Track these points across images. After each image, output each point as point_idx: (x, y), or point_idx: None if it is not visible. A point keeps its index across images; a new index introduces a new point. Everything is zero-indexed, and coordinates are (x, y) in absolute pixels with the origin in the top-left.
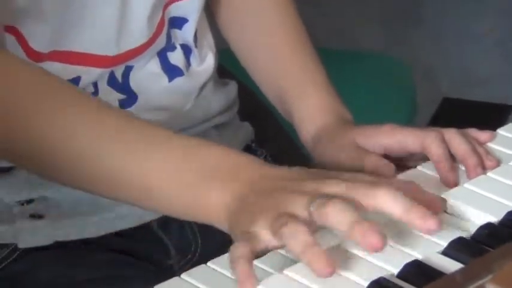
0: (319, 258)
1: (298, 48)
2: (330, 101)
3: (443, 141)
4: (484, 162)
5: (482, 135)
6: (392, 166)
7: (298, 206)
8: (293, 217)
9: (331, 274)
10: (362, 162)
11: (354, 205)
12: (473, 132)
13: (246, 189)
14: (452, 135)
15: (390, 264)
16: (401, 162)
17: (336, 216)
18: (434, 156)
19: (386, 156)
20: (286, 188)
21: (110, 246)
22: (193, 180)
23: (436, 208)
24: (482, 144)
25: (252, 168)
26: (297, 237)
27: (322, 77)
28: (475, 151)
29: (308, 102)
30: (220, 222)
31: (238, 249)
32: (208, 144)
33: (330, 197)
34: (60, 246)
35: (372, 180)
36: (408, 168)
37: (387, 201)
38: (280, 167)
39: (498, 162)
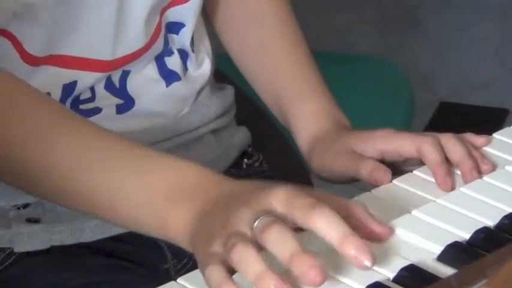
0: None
1: (296, 54)
2: (327, 106)
3: (439, 146)
4: (480, 167)
5: (478, 139)
6: (388, 171)
7: (242, 224)
8: (239, 238)
9: None
10: (358, 167)
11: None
12: (469, 136)
13: (205, 207)
14: (448, 139)
15: (386, 268)
16: (398, 167)
17: (275, 246)
18: (430, 161)
19: (382, 161)
20: (234, 205)
21: (106, 251)
22: (155, 199)
23: (380, 238)
24: (478, 148)
25: (210, 185)
26: (246, 263)
27: (319, 82)
28: (470, 155)
29: (304, 109)
30: (183, 242)
31: (215, 275)
32: (168, 161)
33: (269, 221)
34: (56, 251)
35: (312, 201)
36: (404, 172)
37: (323, 226)
38: (236, 181)
39: (494, 167)
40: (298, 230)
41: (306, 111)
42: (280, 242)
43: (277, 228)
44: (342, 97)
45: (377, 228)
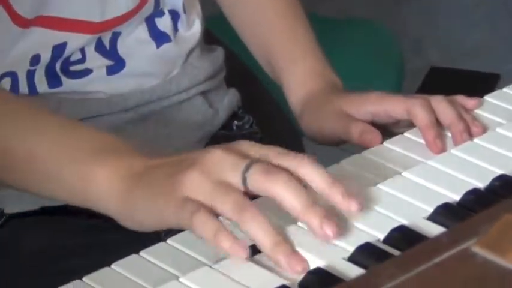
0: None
1: (290, 15)
2: (319, 67)
3: (430, 108)
4: (471, 129)
5: (469, 101)
6: (378, 133)
7: (229, 171)
8: (240, 195)
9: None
10: (349, 129)
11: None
12: (461, 98)
13: (142, 165)
14: (438, 101)
15: (376, 229)
16: (389, 129)
17: (286, 191)
18: (420, 123)
19: (373, 123)
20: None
21: (96, 212)
22: (74, 157)
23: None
24: (469, 110)
25: (135, 149)
26: (259, 227)
27: (312, 43)
28: (461, 117)
29: (296, 69)
30: (105, 201)
31: (208, 223)
32: (88, 127)
33: (268, 165)
34: (46, 212)
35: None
36: (395, 135)
37: (310, 173)
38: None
39: (484, 129)
40: None
41: (298, 72)
42: (290, 190)
43: (281, 174)
44: (333, 60)
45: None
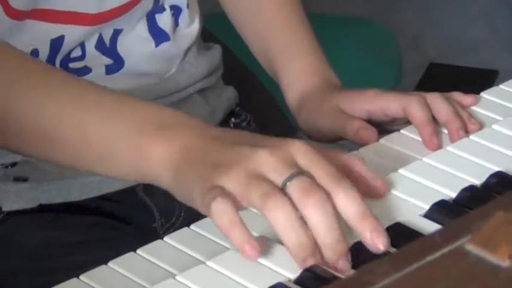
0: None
1: (289, 12)
2: (317, 64)
3: (426, 105)
4: (467, 126)
5: (465, 98)
6: (374, 131)
7: (269, 170)
8: (271, 186)
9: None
10: (345, 126)
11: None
12: (457, 95)
13: (194, 139)
14: (434, 98)
15: None
16: (385, 126)
17: (317, 216)
18: (416, 120)
19: (369, 121)
20: (250, 142)
21: (94, 210)
22: (129, 132)
23: (379, 193)
24: (465, 107)
25: (198, 122)
26: (288, 223)
27: (311, 40)
28: (457, 114)
29: (294, 65)
30: (162, 173)
31: (225, 212)
32: (140, 99)
33: (310, 184)
34: (44, 210)
35: (333, 171)
36: (391, 132)
37: (346, 205)
38: (222, 128)
39: (481, 126)
40: None
41: (295, 68)
42: (321, 210)
43: (319, 196)
44: (330, 58)
45: (376, 183)
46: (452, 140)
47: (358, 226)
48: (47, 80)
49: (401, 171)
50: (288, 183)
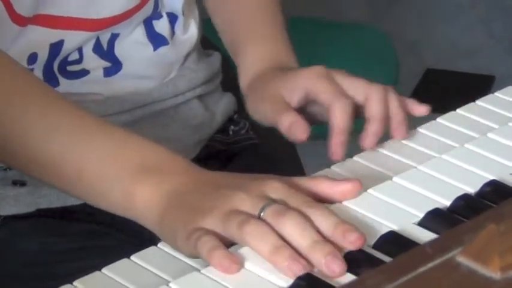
0: (287, 260)
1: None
2: (275, 50)
3: (351, 107)
4: (392, 131)
5: (417, 108)
6: (307, 126)
7: (246, 206)
8: (248, 216)
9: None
10: (279, 119)
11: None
12: (411, 102)
13: (179, 185)
14: (370, 100)
15: (366, 234)
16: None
17: (295, 230)
18: (334, 125)
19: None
20: (228, 187)
21: (91, 217)
22: (124, 171)
23: (351, 192)
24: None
25: (184, 166)
26: (264, 238)
27: (275, 27)
28: (382, 117)
29: (252, 51)
30: (149, 216)
31: (207, 243)
32: (139, 140)
33: (284, 207)
34: (42, 215)
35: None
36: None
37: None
38: (210, 171)
39: (404, 135)
40: None
41: (252, 53)
42: (299, 225)
43: (294, 214)
44: (327, 63)
45: (346, 186)
46: (364, 144)
47: (338, 240)
48: (46, 113)
49: (395, 179)
50: (262, 213)
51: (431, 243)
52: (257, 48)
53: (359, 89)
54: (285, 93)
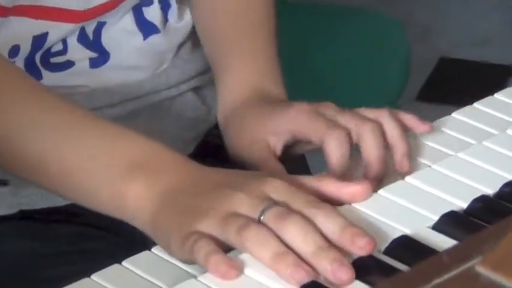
0: (290, 267)
1: (240, 19)
2: (257, 74)
3: (346, 143)
4: (395, 166)
5: (419, 126)
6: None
7: (245, 208)
8: (249, 220)
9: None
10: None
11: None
12: (412, 121)
13: (175, 183)
14: (366, 132)
15: (377, 240)
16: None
17: (297, 235)
18: (331, 162)
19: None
20: (227, 186)
21: (78, 218)
22: (114, 168)
23: (362, 195)
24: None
25: (180, 163)
26: (265, 244)
27: (260, 42)
28: (381, 161)
29: (231, 72)
30: (141, 217)
31: (204, 248)
32: (132, 135)
33: (285, 210)
34: (25, 217)
35: (311, 199)
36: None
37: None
38: (208, 167)
39: (410, 170)
40: None
41: (229, 77)
42: (302, 230)
43: (296, 218)
44: (337, 52)
45: (355, 188)
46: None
47: (346, 245)
48: (31, 108)
49: (408, 179)
50: (262, 216)
51: (449, 251)
52: (238, 70)
53: (351, 125)
54: (270, 139)
